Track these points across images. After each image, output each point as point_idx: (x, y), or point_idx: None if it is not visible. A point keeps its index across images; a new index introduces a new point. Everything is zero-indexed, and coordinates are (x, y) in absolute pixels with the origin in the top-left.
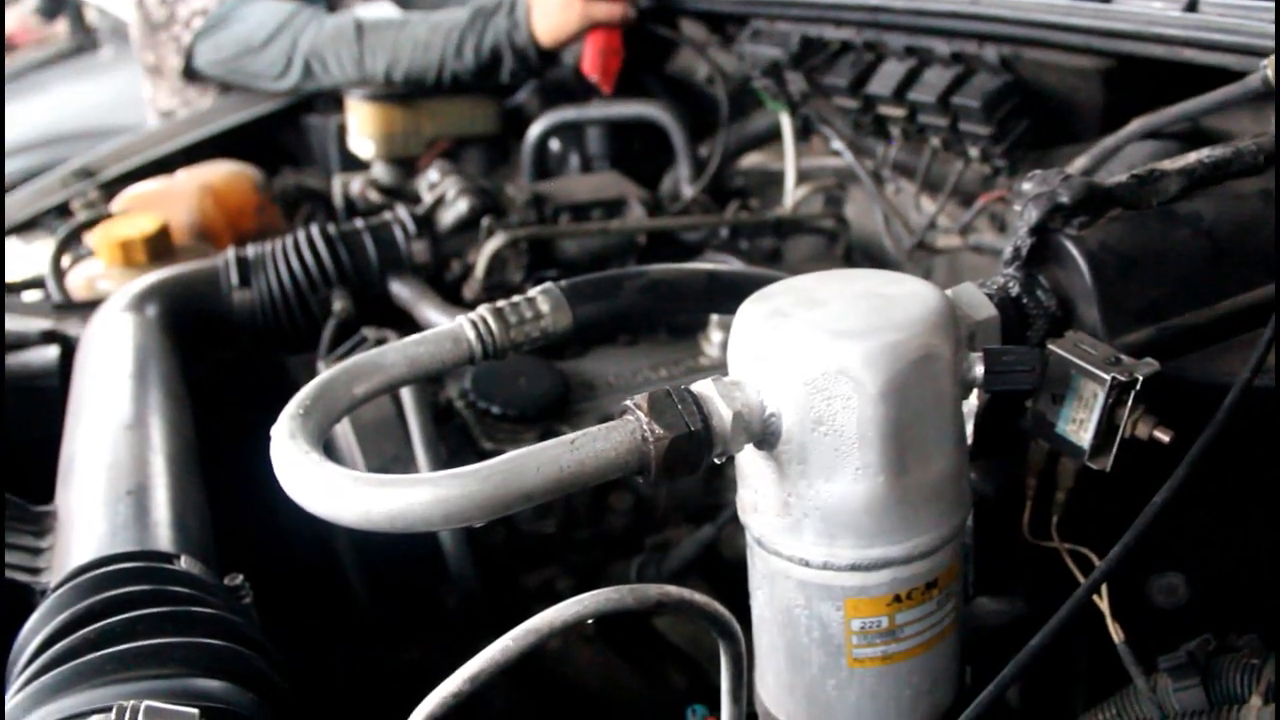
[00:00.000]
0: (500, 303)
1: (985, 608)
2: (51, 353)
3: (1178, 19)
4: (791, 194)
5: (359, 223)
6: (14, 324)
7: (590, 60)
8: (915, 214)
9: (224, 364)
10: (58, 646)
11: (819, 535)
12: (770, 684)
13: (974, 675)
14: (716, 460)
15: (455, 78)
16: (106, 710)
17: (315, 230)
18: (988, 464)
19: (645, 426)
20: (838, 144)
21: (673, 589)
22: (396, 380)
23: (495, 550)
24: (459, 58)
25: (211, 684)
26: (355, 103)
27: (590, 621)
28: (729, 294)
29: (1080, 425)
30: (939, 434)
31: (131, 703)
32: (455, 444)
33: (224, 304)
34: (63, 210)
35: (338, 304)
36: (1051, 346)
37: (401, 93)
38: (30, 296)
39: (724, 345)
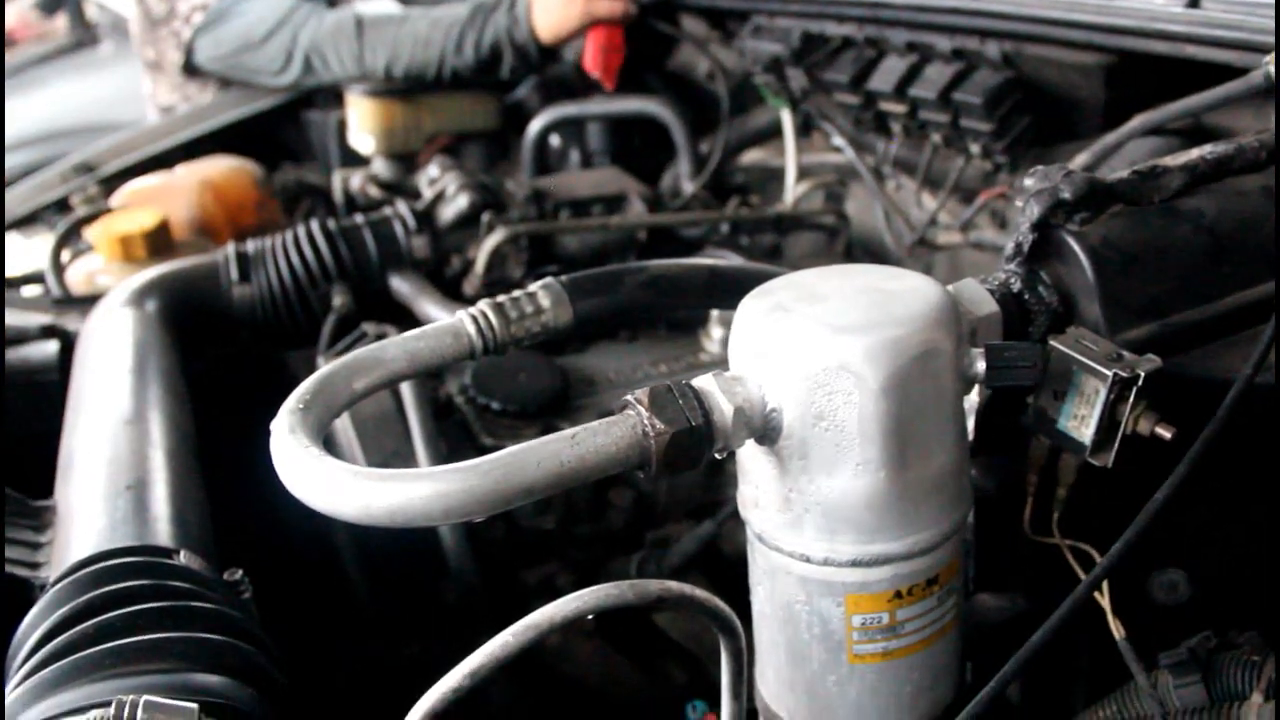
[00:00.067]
0: (501, 298)
1: (986, 604)
2: (51, 348)
3: (1180, 15)
4: (792, 190)
5: (359, 218)
6: (14, 319)
7: (592, 57)
8: (916, 210)
9: (224, 359)
10: (57, 641)
11: (820, 531)
12: (770, 680)
13: (975, 671)
14: (717, 456)
15: (455, 73)
16: (106, 705)
17: (315, 225)
18: (989, 460)
19: (646, 421)
20: (839, 140)
21: (673, 584)
22: (396, 375)
23: (495, 546)
24: (459, 54)
25: (211, 679)
26: (355, 98)
27: (590, 617)
28: (730, 289)
29: (1082, 421)
30: (940, 429)
31: (130, 698)
32: (455, 440)
33: (224, 299)
34: (62, 205)
35: (338, 299)
36: (1053, 342)
37: (402, 88)
38: (30, 291)
39: (724, 341)
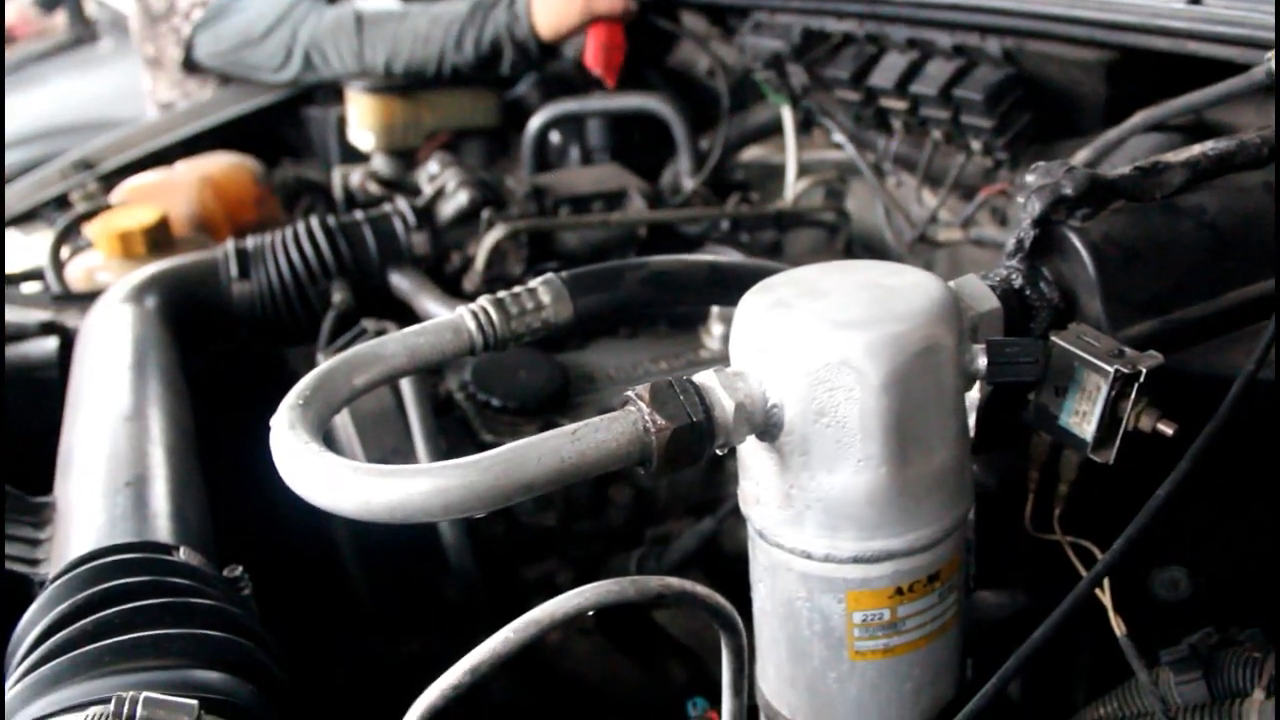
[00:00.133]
0: (501, 294)
1: (987, 601)
2: (50, 344)
3: (1182, 11)
4: (792, 187)
5: (359, 215)
6: (13, 315)
7: (593, 54)
8: (917, 207)
9: (223, 356)
10: (56, 638)
11: (821, 527)
12: (771, 677)
13: (975, 668)
14: (718, 452)
15: (455, 70)
16: (105, 701)
17: (315, 222)
18: (990, 456)
19: (647, 417)
20: (839, 137)
21: (674, 581)
22: (397, 371)
23: (495, 543)
24: (459, 50)
25: (211, 675)
26: (355, 95)
27: (591, 614)
28: (730, 285)
29: (1083, 418)
30: (941, 426)
31: (130, 694)
32: (455, 436)
33: (223, 296)
34: (62, 202)
35: (337, 296)
36: (1054, 339)
37: (401, 85)
38: (29, 288)
39: (724, 338)
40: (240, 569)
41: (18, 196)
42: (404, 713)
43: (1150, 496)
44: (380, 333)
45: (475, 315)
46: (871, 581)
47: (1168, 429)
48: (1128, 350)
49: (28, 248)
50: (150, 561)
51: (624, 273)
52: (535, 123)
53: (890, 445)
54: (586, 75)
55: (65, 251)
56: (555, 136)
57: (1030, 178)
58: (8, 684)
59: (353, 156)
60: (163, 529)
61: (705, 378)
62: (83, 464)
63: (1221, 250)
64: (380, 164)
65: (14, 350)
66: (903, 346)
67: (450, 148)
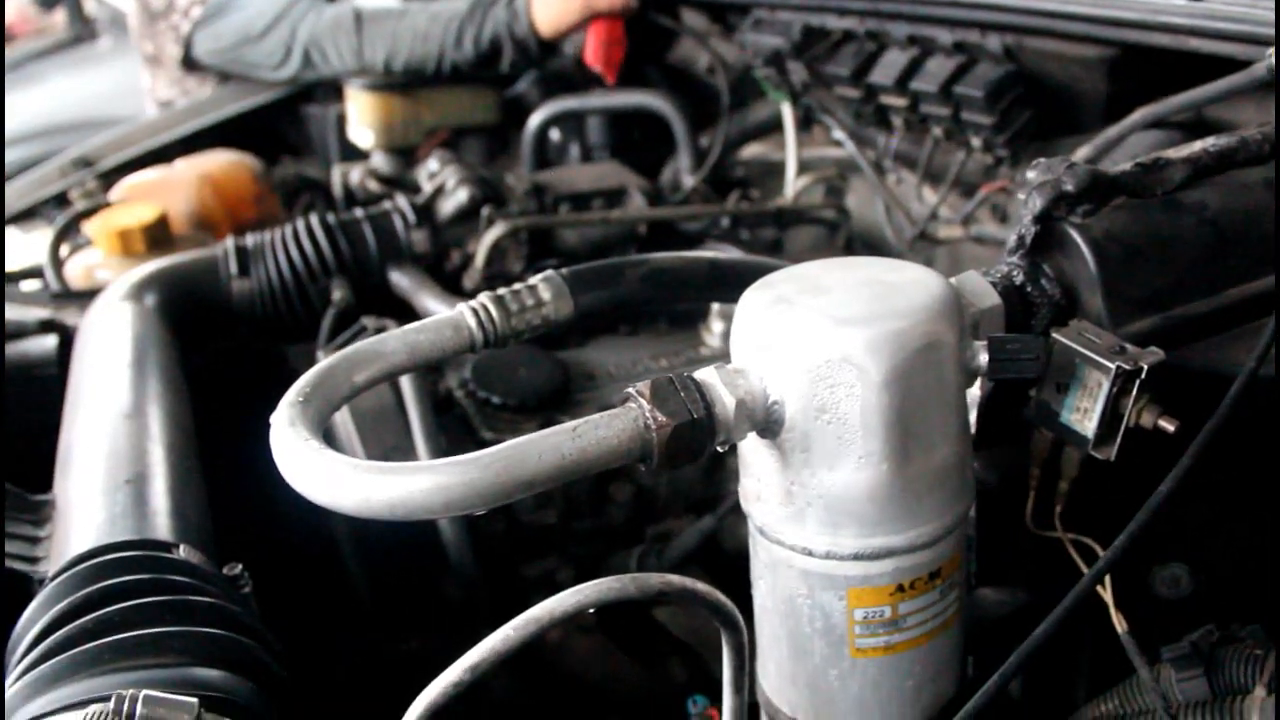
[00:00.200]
0: (501, 290)
1: (988, 598)
2: (50, 342)
3: (1182, 8)
4: (792, 184)
5: (358, 212)
6: (12, 313)
7: (593, 51)
8: (917, 204)
9: (223, 354)
10: (56, 635)
11: (822, 524)
12: (772, 674)
13: (976, 665)
14: (719, 449)
15: (455, 68)
16: (105, 699)
17: (314, 220)
18: (991, 453)
19: (648, 414)
20: (839, 134)
21: (675, 578)
22: (397, 368)
23: (495, 540)
24: (458, 48)
25: (211, 673)
26: (355, 92)
27: (591, 612)
28: (731, 282)
29: (1084, 414)
30: (943, 422)
31: (130, 692)
32: (455, 434)
33: (223, 293)
34: (61, 200)
35: (337, 294)
36: (1055, 335)
37: (401, 82)
38: (28, 286)
39: (725, 335)
40: (240, 567)
41: (17, 194)
42: (404, 710)
43: (1151, 493)
44: (380, 330)
45: (475, 312)
46: (872, 579)
47: (1169, 426)
48: (1129, 347)
49: (27, 246)
50: (150, 559)
51: (624, 269)
52: (535, 120)
53: (891, 442)
54: (586, 72)
55: (64, 249)
56: (555, 134)
57: (1031, 174)
58: (7, 682)
59: (352, 154)
60: (162, 527)
61: (706, 374)
62: (82, 462)
63: (1222, 247)
64: (380, 162)
65: (13, 348)
66: (904, 343)
67: (450, 145)
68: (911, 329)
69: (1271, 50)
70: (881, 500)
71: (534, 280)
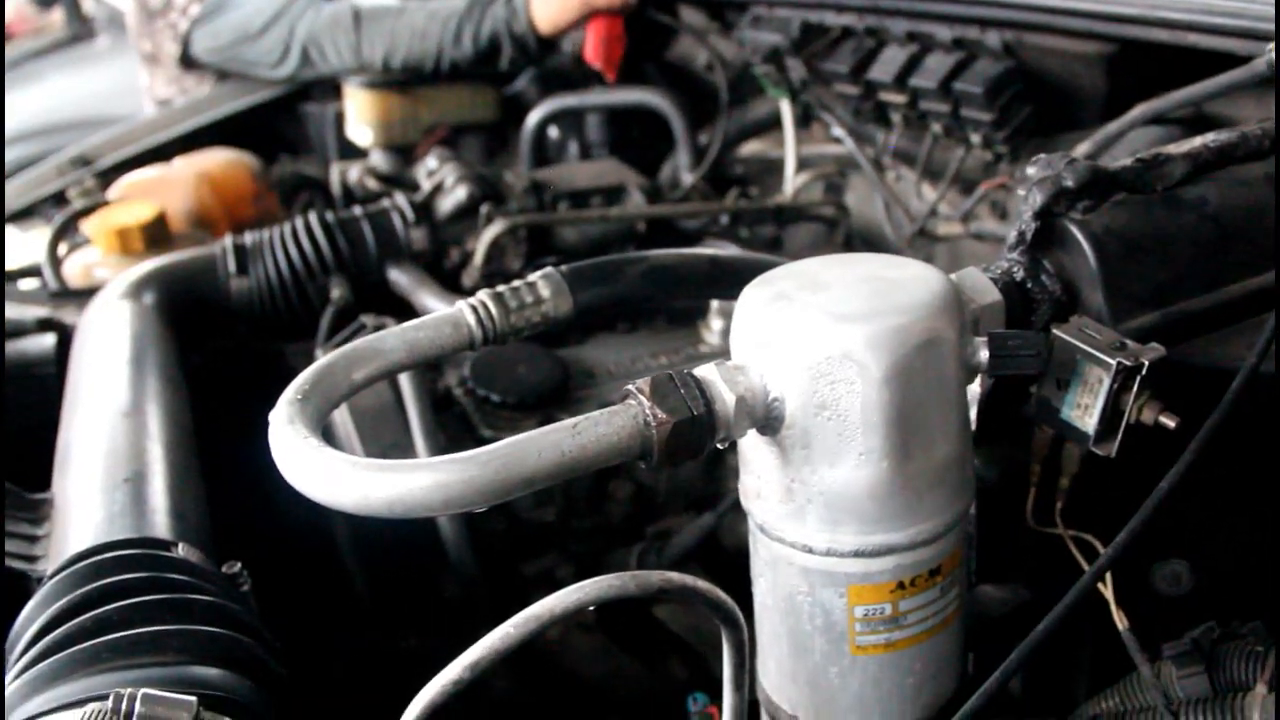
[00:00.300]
0: (500, 288)
1: (988, 595)
2: (48, 340)
3: (1182, 3)
4: (791, 181)
5: (357, 210)
6: (11, 312)
7: (593, 48)
8: (916, 201)
9: (221, 352)
10: (54, 634)
11: (822, 521)
12: (772, 672)
13: (977, 663)
14: (719, 446)
15: (454, 65)
16: (104, 698)
17: (313, 218)
18: (991, 450)
19: (648, 411)
20: (838, 131)
21: (675, 575)
22: (396, 365)
23: (495, 538)
24: (457, 45)
25: (209, 671)
26: (353, 90)
27: (591, 610)
28: (731, 279)
29: (1085, 410)
30: (943, 419)
31: (129, 690)
32: (454, 432)
33: (221, 292)
34: (59, 198)
35: (336, 292)
36: (1056, 331)
37: (400, 80)
38: (27, 284)
39: (724, 332)
40: (239, 565)
41: (15, 193)
42: (403, 708)
43: (1152, 490)
44: (379, 328)
45: (474, 309)
46: (873, 576)
47: (1170, 422)
48: (1130, 343)
49: (25, 244)
50: (148, 558)
51: (624, 266)
52: (534, 118)
53: (892, 439)
54: (585, 70)
55: (63, 248)
56: (554, 131)
57: (1031, 170)
58: (6, 680)
59: (351, 152)
60: (161, 525)
61: (706, 371)
62: (81, 460)
63: (1223, 242)
64: (378, 159)
65: (12, 347)
66: (904, 339)
67: (449, 143)
68: (912, 325)
69: (1271, 45)
70: (882, 497)
71: (533, 277)
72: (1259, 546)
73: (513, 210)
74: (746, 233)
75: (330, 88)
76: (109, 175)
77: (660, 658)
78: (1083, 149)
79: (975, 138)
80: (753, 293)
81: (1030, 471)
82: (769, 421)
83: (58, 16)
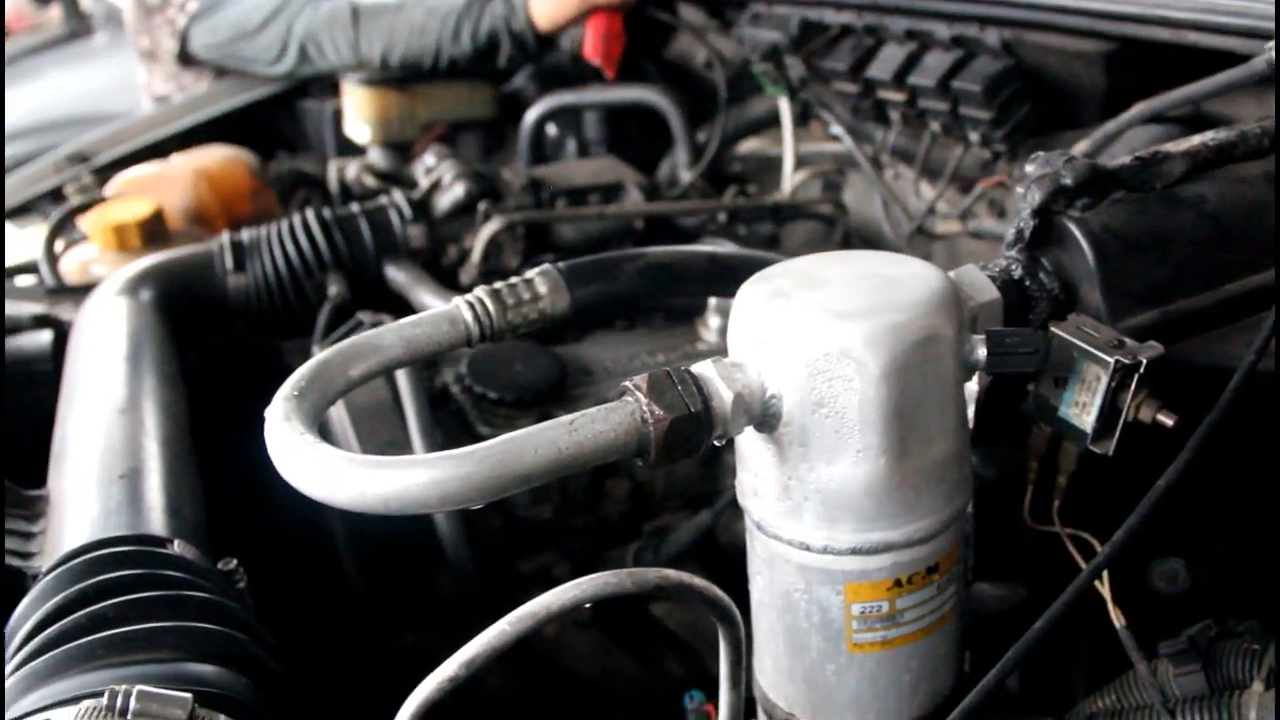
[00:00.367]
0: (498, 284)
1: (985, 593)
2: (44, 337)
3: (1181, 2)
4: (790, 179)
5: (355, 207)
6: (7, 308)
7: (592, 45)
8: (914, 199)
9: (218, 349)
10: (49, 631)
11: (819, 519)
12: (769, 669)
13: (973, 661)
14: (716, 443)
15: (452, 62)
16: (99, 695)
17: (310, 215)
18: (989, 448)
19: (645, 408)
20: (837, 129)
21: (671, 573)
22: (393, 362)
23: (491, 536)
24: (455, 42)
25: (205, 668)
26: (351, 87)
27: (587, 607)
28: (728, 276)
29: (1083, 409)
30: (941, 416)
31: (124, 687)
32: (451, 429)
33: (218, 289)
34: (56, 195)
35: (333, 289)
36: (1054, 329)
37: (398, 77)
38: (23, 281)
39: (722, 330)
40: (235, 562)
41: (13, 189)
42: (399, 705)
43: (1150, 488)
44: (376, 325)
45: (472, 306)
46: (870, 573)
47: (1168, 420)
48: (1128, 341)
49: (22, 241)
50: (144, 554)
51: (621, 263)
52: (532, 115)
53: (889, 436)
54: (583, 67)
55: (59, 244)
56: (552, 129)
57: (1030, 168)
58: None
59: (349, 149)
60: (157, 522)
61: (703, 368)
62: (77, 457)
63: (1222, 241)
64: (376, 157)
65: (8, 343)
66: (902, 336)
67: (447, 140)
68: (910, 323)
69: (1270, 44)
70: (879, 495)
71: (530, 274)
72: (1256, 545)
73: (510, 208)
74: (744, 230)
75: (328, 85)
76: (106, 172)
77: (657, 655)
78: (1081, 147)
79: (974, 136)
80: (750, 290)
81: (1028, 469)
82: (766, 419)
83: (55, 13)
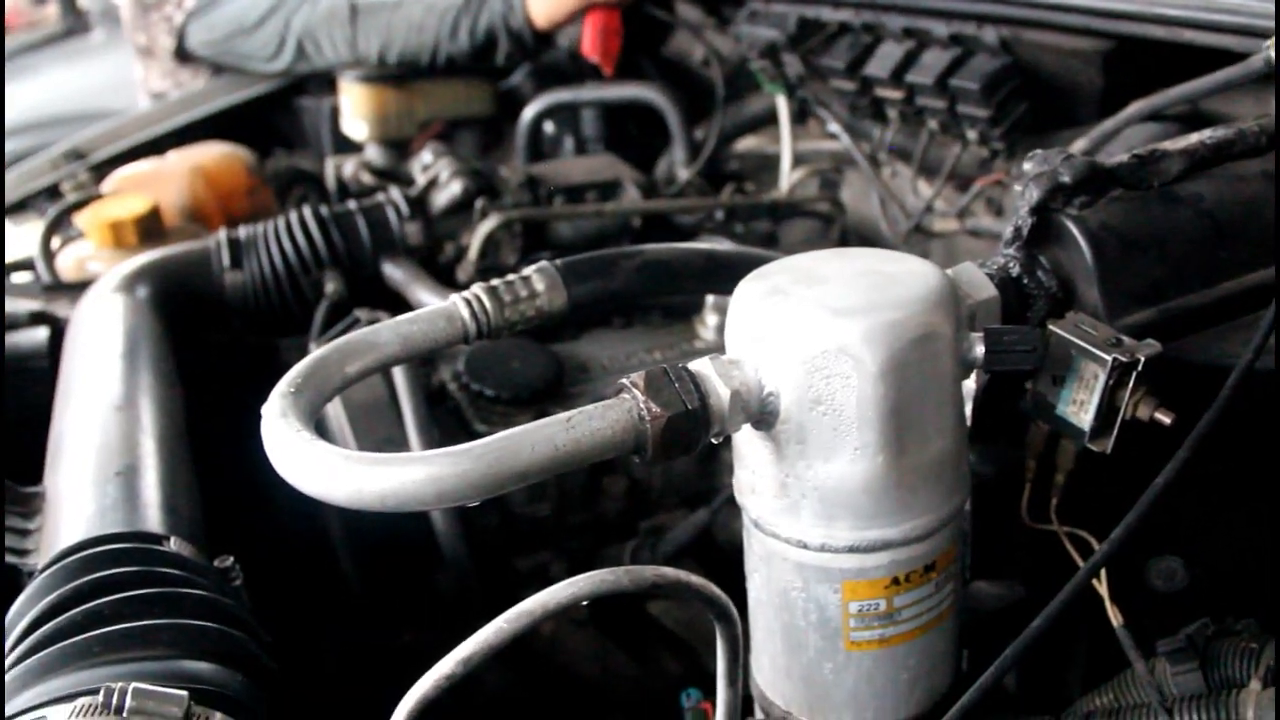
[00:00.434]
0: (495, 281)
1: (983, 591)
2: (41, 334)
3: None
4: (787, 177)
5: (352, 204)
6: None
7: (590, 41)
8: (912, 197)
9: (215, 346)
10: (45, 628)
11: (817, 516)
12: (766, 667)
13: (971, 659)
14: (714, 440)
15: (450, 59)
16: (94, 692)
17: (307, 212)
18: (987, 446)
19: (642, 405)
20: (834, 127)
21: (668, 570)
22: (389, 359)
23: (488, 533)
24: (453, 39)
25: (201, 666)
26: (348, 84)
27: (584, 605)
28: (726, 274)
29: (1081, 407)
30: (938, 414)
31: (120, 684)
32: (448, 426)
33: (215, 285)
34: (53, 192)
35: (330, 286)
36: (1052, 327)
37: (395, 74)
38: (20, 278)
39: (719, 328)
40: (231, 559)
41: (9, 186)
42: (396, 703)
43: (1148, 486)
44: (373, 322)
45: (469, 303)
46: (868, 571)
47: (1165, 418)
48: (1125, 339)
49: (19, 238)
50: (140, 552)
51: (619, 260)
52: (529, 112)
53: (887, 434)
54: (581, 65)
55: (56, 241)
56: (549, 126)
57: (1028, 165)
58: None
59: (346, 146)
60: (153, 519)
61: (701, 365)
62: (73, 454)
63: (1219, 239)
64: (374, 154)
65: (5, 340)
66: (900, 334)
67: (444, 138)
68: (908, 320)
69: (1269, 42)
70: (877, 492)
71: (527, 271)
72: (1254, 543)
73: (508, 205)
74: (742, 228)
75: (325, 82)
76: (103, 169)
77: (654, 653)
78: (1079, 145)
79: (971, 134)
80: (748, 287)
81: (1026, 467)
82: (764, 416)
83: (52, 10)
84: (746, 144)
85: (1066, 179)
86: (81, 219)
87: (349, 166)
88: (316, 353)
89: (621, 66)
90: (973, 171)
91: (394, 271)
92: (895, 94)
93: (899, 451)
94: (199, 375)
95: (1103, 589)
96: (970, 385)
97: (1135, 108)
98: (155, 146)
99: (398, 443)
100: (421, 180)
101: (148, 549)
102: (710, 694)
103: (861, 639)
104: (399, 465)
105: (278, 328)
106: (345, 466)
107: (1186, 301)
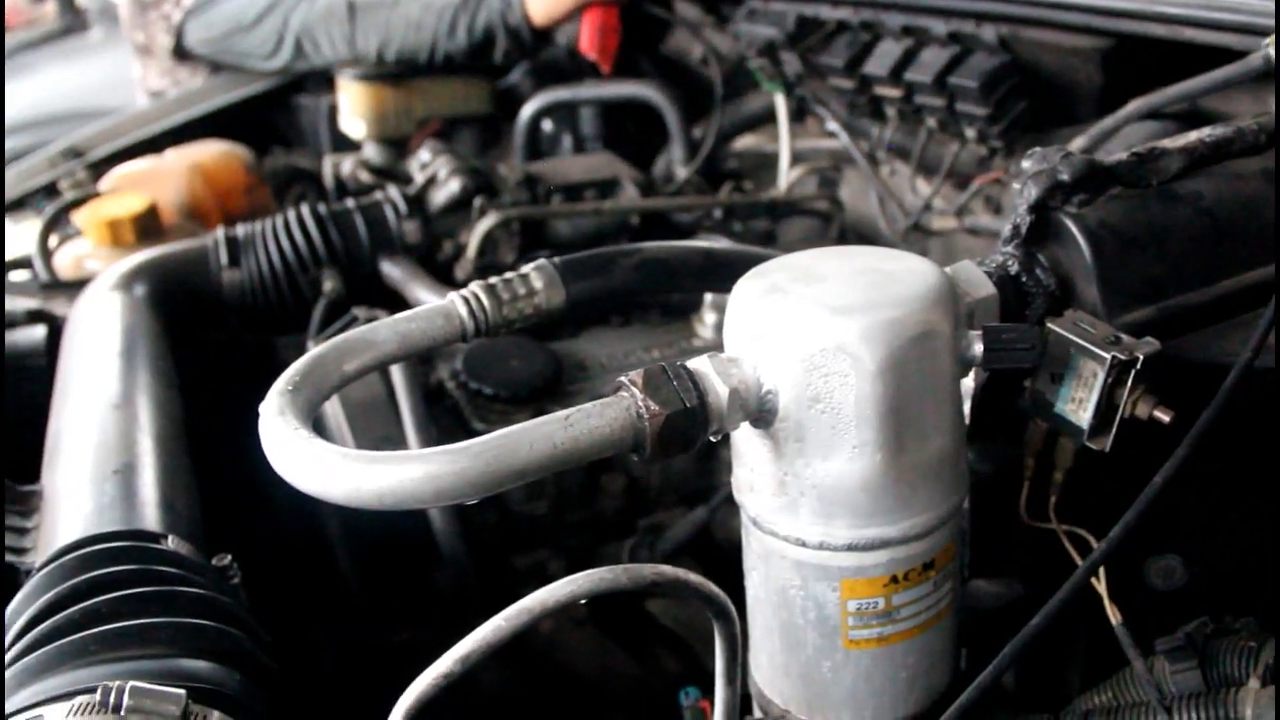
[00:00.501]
0: (493, 279)
1: (982, 589)
2: (38, 332)
3: None
4: (786, 176)
5: (350, 203)
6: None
7: (588, 39)
8: (910, 196)
9: (213, 344)
10: (42, 626)
11: (815, 515)
12: (764, 666)
13: (970, 658)
14: (712, 438)
15: (448, 57)
16: (92, 690)
17: (305, 210)
18: (985, 444)
19: (640, 403)
20: (833, 125)
21: (667, 569)
22: (387, 357)
23: (487, 531)
24: (451, 37)
25: (198, 664)
26: (347, 82)
27: (583, 603)
28: (724, 272)
29: (1079, 405)
30: (937, 412)
31: (117, 683)
32: (446, 425)
33: (213, 284)
34: (50, 190)
35: (328, 284)
36: (1051, 325)
37: (393, 72)
38: (17, 276)
39: (717, 326)
40: (229, 557)
41: (7, 184)
42: (394, 701)
43: (1146, 485)
44: (371, 321)
45: (467, 301)
46: (866, 570)
47: (1164, 416)
48: (1124, 337)
49: (16, 236)
50: (138, 550)
51: (617, 258)
52: (528, 111)
53: (885, 432)
54: (579, 63)
55: (54, 239)
56: (548, 125)
57: (1026, 163)
58: None
59: (344, 145)
60: (151, 517)
61: (699, 363)
62: (70, 452)
63: (1218, 236)
64: (372, 152)
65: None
66: (899, 332)
67: (442, 136)
68: (906, 318)
69: (1268, 40)
70: (875, 490)
71: (526, 269)
72: (1253, 542)
73: (506, 203)
74: (740, 227)
75: (324, 80)
76: (101, 167)
77: (652, 651)
78: (1078, 144)
79: (970, 132)
80: (747, 285)
81: (1024, 466)
82: (762, 414)
83: (50, 8)
84: (745, 142)
85: (1065, 177)
86: (79, 217)
87: (347, 165)
88: (314, 351)
89: (620, 64)
90: (971, 170)
91: (392, 270)
92: (894, 92)
93: (897, 450)
94: (197, 373)
95: (1101, 587)
96: (969, 383)
97: (1134, 106)
98: (153, 145)
99: (396, 441)
100: (420, 178)
101: (145, 547)
102: (709, 692)
103: (860, 637)
104: (397, 463)
105: (275, 326)
106: (343, 465)
107: (1185, 299)
